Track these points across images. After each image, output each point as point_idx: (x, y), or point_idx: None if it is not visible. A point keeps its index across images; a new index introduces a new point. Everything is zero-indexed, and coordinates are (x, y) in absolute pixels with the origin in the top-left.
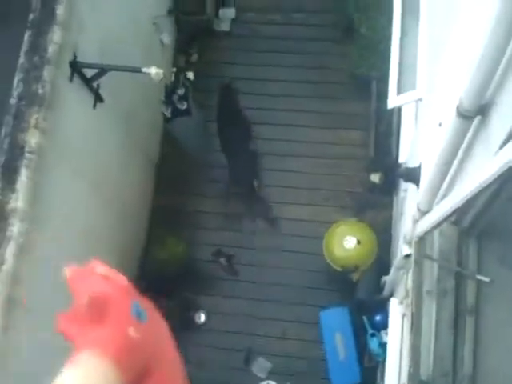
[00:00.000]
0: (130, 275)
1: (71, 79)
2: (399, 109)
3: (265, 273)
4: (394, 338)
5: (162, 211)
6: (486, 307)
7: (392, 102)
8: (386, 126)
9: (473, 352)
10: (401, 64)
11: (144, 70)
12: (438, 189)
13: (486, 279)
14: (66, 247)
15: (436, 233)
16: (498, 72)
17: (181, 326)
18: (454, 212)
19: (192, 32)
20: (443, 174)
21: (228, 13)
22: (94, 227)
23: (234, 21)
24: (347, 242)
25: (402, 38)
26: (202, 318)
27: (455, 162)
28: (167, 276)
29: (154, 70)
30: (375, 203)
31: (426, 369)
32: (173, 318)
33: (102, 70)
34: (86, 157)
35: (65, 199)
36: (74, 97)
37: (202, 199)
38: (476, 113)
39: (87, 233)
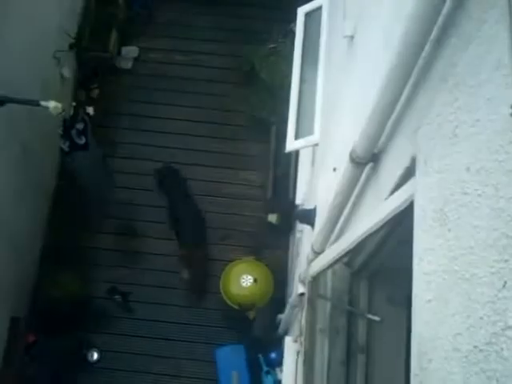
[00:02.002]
0: (20, 312)
1: None
2: (297, 152)
3: (160, 310)
4: (289, 376)
5: (56, 246)
6: (376, 345)
7: (290, 145)
8: (283, 169)
9: None
10: (299, 109)
11: (42, 103)
12: (332, 231)
13: (376, 318)
14: None
15: (329, 273)
16: (389, 124)
17: (73, 364)
18: (347, 254)
19: (94, 67)
20: (336, 217)
21: (131, 51)
22: None
23: (136, 59)
24: (244, 281)
25: (301, 85)
26: (95, 356)
27: (348, 206)
28: (60, 313)
29: (52, 104)
30: (272, 243)
31: None
32: (65, 358)
33: None
34: None
35: None
36: None
37: (97, 235)
38: (368, 160)
39: None
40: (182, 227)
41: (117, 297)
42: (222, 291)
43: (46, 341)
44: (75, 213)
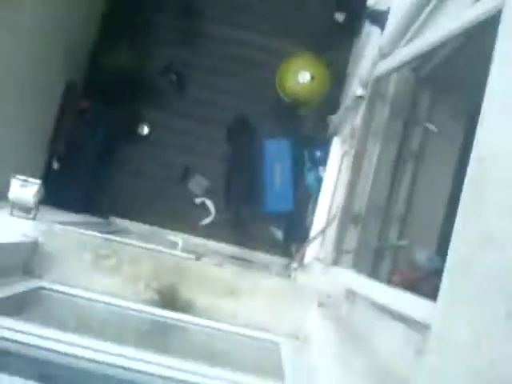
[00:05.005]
0: (76, 78)
1: None
2: None
3: (213, 95)
4: (331, 174)
5: (116, 15)
6: (428, 154)
7: None
8: None
9: (407, 195)
10: None
11: None
12: (404, 34)
13: (434, 128)
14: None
15: (394, 76)
16: None
17: (123, 135)
18: (415, 59)
19: None
20: (412, 20)
21: None
22: (40, 23)
23: None
24: (301, 76)
25: None
26: (146, 130)
27: (427, 10)
28: (115, 84)
29: None
30: (335, 43)
31: (359, 205)
32: (116, 127)
33: None
34: None
35: None
36: None
37: (160, 10)
38: None
39: (32, 30)
40: (233, 191)
41: (172, 75)
42: (277, 84)
43: (100, 108)
44: None
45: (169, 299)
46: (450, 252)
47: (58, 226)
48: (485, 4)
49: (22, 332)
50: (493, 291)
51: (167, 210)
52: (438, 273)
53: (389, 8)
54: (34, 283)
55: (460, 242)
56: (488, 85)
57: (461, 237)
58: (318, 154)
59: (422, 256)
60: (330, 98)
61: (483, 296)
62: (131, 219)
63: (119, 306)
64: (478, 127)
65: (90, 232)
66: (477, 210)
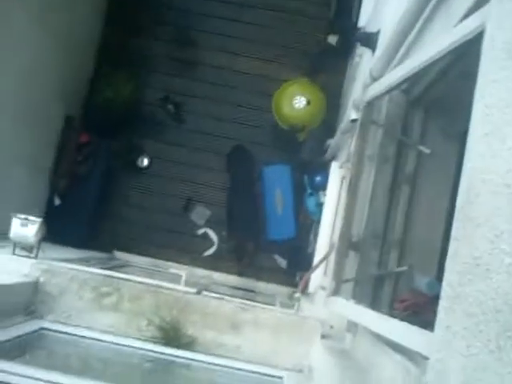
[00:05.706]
0: (74, 113)
1: None
2: None
3: (211, 124)
4: (331, 199)
5: (112, 48)
6: (423, 177)
7: None
8: None
9: (404, 219)
10: None
11: None
12: (393, 56)
13: (427, 150)
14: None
15: (385, 99)
16: None
17: (123, 168)
18: (406, 80)
19: None
20: (400, 42)
21: None
22: (37, 61)
23: None
24: (297, 102)
25: None
26: (145, 162)
27: (414, 32)
28: (113, 117)
29: None
30: (329, 66)
31: (357, 231)
32: (116, 160)
33: None
34: None
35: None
36: None
37: (155, 41)
38: None
39: (30, 67)
40: (235, 219)
41: (169, 106)
42: (273, 111)
43: (99, 142)
44: (133, 15)
45: (171, 336)
46: (444, 281)
47: (59, 265)
48: (467, 24)
49: (22, 375)
50: (484, 323)
51: (170, 242)
52: (438, 298)
53: (379, 29)
54: (35, 324)
55: (452, 270)
56: (473, 108)
57: (453, 264)
58: (318, 178)
59: (422, 282)
60: (328, 122)
61: (475, 328)
62: (134, 253)
63: (121, 345)
64: (466, 152)
65: (90, 269)
66: (468, 236)
